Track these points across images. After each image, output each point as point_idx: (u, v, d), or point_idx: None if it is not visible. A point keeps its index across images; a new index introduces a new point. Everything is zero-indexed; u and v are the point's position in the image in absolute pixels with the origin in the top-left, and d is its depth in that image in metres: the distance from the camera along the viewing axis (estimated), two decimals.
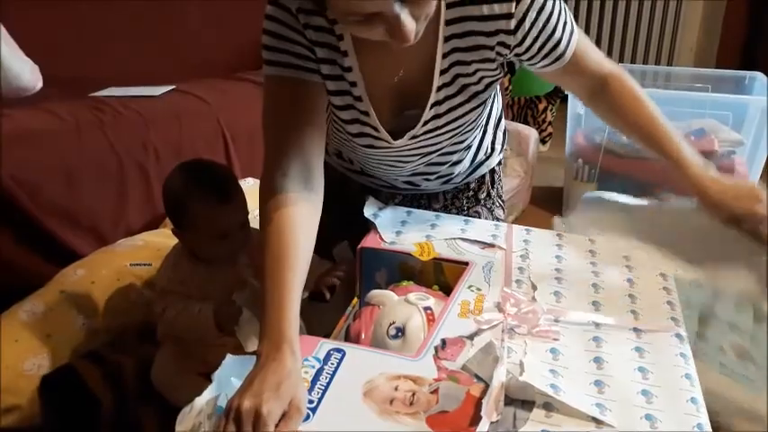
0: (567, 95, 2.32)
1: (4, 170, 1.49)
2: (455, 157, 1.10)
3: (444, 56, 0.90)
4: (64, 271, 1.47)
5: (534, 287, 0.91)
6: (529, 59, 0.92)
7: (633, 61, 3.28)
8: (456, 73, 0.93)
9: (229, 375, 0.74)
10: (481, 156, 1.18)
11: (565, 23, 0.90)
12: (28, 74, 1.90)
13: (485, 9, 0.85)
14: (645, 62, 3.27)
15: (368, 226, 1.06)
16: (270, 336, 0.74)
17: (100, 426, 1.24)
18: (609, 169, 2.43)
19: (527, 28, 0.87)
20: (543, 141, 3.23)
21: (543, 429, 0.67)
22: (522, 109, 3.29)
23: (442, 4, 0.84)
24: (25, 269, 1.55)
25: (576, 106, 2.41)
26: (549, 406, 0.70)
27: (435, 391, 0.71)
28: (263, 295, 0.78)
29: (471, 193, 1.24)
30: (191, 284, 1.19)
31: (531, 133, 2.65)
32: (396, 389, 0.71)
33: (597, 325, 0.84)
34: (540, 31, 0.88)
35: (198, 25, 2.39)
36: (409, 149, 1.02)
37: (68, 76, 2.03)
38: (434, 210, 1.19)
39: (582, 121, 2.45)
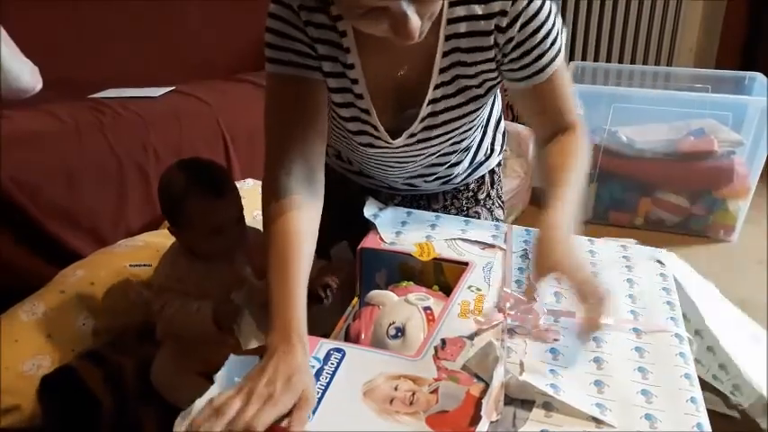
0: None
1: (4, 172, 1.49)
2: (454, 158, 1.10)
3: (445, 54, 0.90)
4: (64, 272, 1.48)
5: (534, 287, 0.91)
6: (508, 63, 0.91)
7: (633, 61, 3.28)
8: (456, 74, 0.93)
9: (232, 375, 0.74)
10: (480, 156, 1.18)
11: (554, 41, 0.89)
12: (27, 75, 1.91)
13: (485, 8, 0.85)
14: (645, 62, 3.27)
15: (367, 226, 1.06)
16: (279, 328, 0.75)
17: (100, 426, 1.24)
18: (608, 170, 2.43)
19: (517, 29, 0.86)
20: None
21: (543, 429, 0.67)
22: None
23: (445, 2, 0.84)
24: (25, 270, 1.55)
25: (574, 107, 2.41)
26: (549, 405, 0.70)
27: (435, 391, 0.71)
28: (270, 291, 0.79)
29: (471, 193, 1.24)
30: (188, 282, 1.20)
31: (531, 134, 2.65)
32: (395, 389, 0.71)
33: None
34: (528, 38, 0.87)
35: (198, 26, 2.39)
36: (408, 149, 1.02)
37: (68, 77, 2.03)
38: (434, 210, 1.19)
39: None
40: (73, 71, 2.10)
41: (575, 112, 0.97)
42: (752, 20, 3.11)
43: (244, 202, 1.23)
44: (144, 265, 1.50)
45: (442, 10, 0.85)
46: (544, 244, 0.80)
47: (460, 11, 0.86)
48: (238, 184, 1.26)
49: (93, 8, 2.20)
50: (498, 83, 0.97)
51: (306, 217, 0.86)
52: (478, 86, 0.95)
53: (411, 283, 0.95)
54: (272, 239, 0.83)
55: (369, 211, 1.08)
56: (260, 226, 0.89)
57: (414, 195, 1.23)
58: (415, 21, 0.71)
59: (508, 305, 0.85)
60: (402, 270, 1.00)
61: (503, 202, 1.30)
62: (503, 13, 0.85)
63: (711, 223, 2.42)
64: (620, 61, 3.29)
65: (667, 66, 3.24)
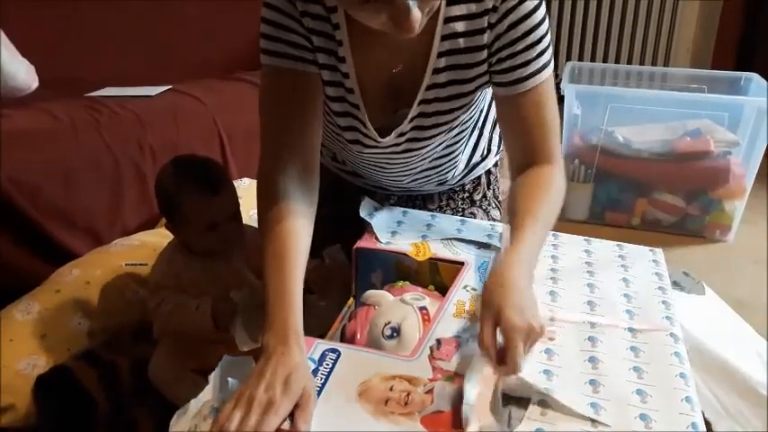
0: (564, 96, 2.31)
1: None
2: (447, 162, 1.09)
3: (440, 55, 0.89)
4: (59, 271, 1.47)
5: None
6: (495, 64, 0.89)
7: (629, 62, 3.28)
8: (452, 78, 0.91)
9: (226, 376, 0.74)
10: (477, 157, 1.18)
11: (543, 52, 0.87)
12: (23, 74, 1.91)
13: (479, 5, 0.84)
14: (641, 62, 3.27)
15: (363, 228, 1.06)
16: (276, 329, 0.74)
17: (95, 426, 1.23)
18: (605, 169, 2.43)
19: (504, 27, 0.85)
20: None
21: (538, 428, 0.67)
22: None
23: (443, 1, 0.83)
24: (20, 269, 1.54)
25: (572, 106, 2.42)
26: (545, 403, 0.70)
27: (430, 392, 0.71)
28: (266, 291, 0.79)
29: (466, 194, 1.24)
30: (185, 279, 1.20)
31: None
32: (391, 389, 0.71)
33: (592, 324, 0.84)
34: (516, 41, 0.85)
35: (194, 25, 2.38)
36: (398, 150, 1.01)
37: (64, 76, 2.03)
38: (429, 211, 1.19)
39: (578, 122, 2.45)
40: (71, 70, 2.09)
41: (556, 146, 0.93)
42: (748, 20, 3.12)
43: (240, 201, 1.22)
44: (140, 264, 1.50)
45: (439, 9, 0.84)
46: (491, 286, 0.76)
47: (457, 10, 0.85)
48: (235, 184, 1.26)
49: (91, 8, 2.20)
50: (488, 83, 0.95)
51: (301, 216, 0.86)
52: (473, 90, 0.94)
53: (407, 282, 0.95)
54: (269, 239, 0.83)
55: (364, 210, 1.08)
56: (256, 224, 0.89)
57: (410, 196, 1.22)
58: (417, 14, 0.70)
59: None
60: (398, 270, 1.00)
61: (499, 202, 1.29)
62: (494, 8, 0.84)
63: (707, 223, 2.42)
64: (617, 61, 3.30)
65: (664, 66, 3.24)
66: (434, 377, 0.73)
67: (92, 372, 1.27)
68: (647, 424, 0.68)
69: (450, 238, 1.03)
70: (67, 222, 1.63)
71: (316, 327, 0.88)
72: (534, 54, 0.86)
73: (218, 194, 1.17)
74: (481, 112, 1.10)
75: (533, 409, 0.70)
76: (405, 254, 0.98)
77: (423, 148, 1.01)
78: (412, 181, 1.12)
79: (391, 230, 1.05)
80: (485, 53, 0.89)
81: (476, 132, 1.12)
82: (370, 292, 0.91)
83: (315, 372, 0.74)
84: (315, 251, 0.91)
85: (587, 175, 2.44)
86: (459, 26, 0.86)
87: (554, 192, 0.90)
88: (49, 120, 1.67)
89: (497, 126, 1.20)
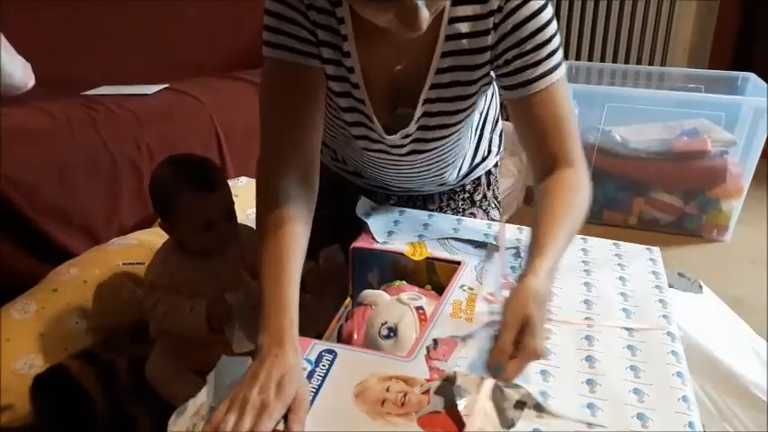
0: None
1: None
2: (449, 162, 1.09)
3: (444, 55, 0.88)
4: (56, 270, 1.47)
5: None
6: (497, 68, 0.88)
7: (627, 61, 3.28)
8: (455, 79, 0.91)
9: (223, 377, 0.74)
10: (477, 158, 1.18)
11: (554, 52, 0.85)
12: (20, 72, 1.91)
13: (484, 6, 0.83)
14: (638, 62, 3.27)
15: (361, 228, 1.05)
16: (270, 330, 0.74)
17: (93, 425, 1.23)
18: (602, 169, 2.43)
19: (508, 28, 0.84)
20: None
21: (535, 428, 0.67)
22: None
23: (449, 1, 0.82)
24: (17, 268, 1.54)
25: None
26: (540, 407, 0.70)
27: (427, 392, 0.71)
28: (263, 294, 0.78)
29: (467, 194, 1.24)
30: (179, 278, 1.19)
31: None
32: (387, 390, 0.71)
33: (589, 323, 0.84)
34: (521, 42, 0.84)
35: (193, 25, 2.39)
36: (403, 151, 1.01)
37: (64, 75, 2.03)
38: (430, 211, 1.19)
39: (576, 121, 2.46)
40: (70, 70, 2.09)
41: (576, 148, 0.91)
42: (745, 20, 3.13)
43: (237, 200, 1.22)
44: (137, 263, 1.50)
45: (444, 8, 0.83)
46: (519, 294, 0.74)
47: (462, 10, 0.84)
48: (232, 183, 1.26)
49: (90, 7, 2.20)
50: (490, 83, 0.95)
51: (300, 221, 0.85)
52: (476, 92, 0.93)
53: (404, 282, 0.95)
54: (266, 243, 0.82)
55: (361, 210, 1.08)
56: (253, 224, 0.89)
57: (410, 196, 1.22)
58: (424, 12, 0.69)
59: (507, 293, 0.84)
60: (394, 269, 1.00)
61: (498, 202, 1.29)
62: (498, 9, 0.83)
63: (705, 223, 2.43)
64: (614, 61, 3.30)
65: (661, 66, 3.25)
66: (431, 377, 0.73)
67: (89, 371, 1.27)
68: (644, 423, 0.68)
69: (446, 238, 1.03)
70: (64, 221, 1.62)
71: (311, 327, 0.88)
72: (545, 54, 0.85)
73: (213, 192, 1.17)
74: (481, 113, 1.10)
75: (528, 412, 0.69)
76: (401, 253, 0.98)
77: (427, 150, 1.01)
78: (414, 181, 1.12)
79: (388, 230, 1.05)
80: (488, 55, 0.88)
81: (476, 133, 1.12)
82: (367, 291, 0.91)
83: (311, 373, 0.74)
84: (313, 251, 0.90)
85: None
86: (464, 27, 0.86)
87: (578, 200, 0.89)
88: (45, 118, 1.67)
89: (497, 127, 1.20)
